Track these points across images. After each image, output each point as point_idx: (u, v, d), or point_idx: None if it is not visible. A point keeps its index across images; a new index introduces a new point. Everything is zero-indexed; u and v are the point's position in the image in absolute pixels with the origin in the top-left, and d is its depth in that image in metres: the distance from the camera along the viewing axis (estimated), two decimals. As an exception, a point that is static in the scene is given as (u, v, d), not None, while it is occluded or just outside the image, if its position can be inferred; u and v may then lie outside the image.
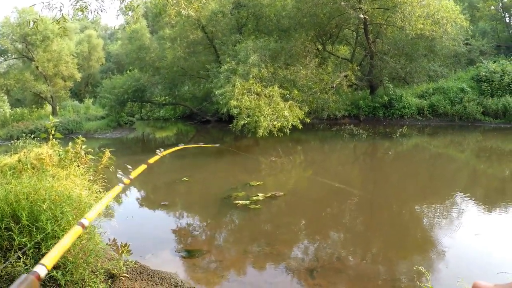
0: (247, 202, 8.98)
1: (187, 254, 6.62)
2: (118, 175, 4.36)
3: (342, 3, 20.26)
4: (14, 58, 37.30)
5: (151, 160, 4.47)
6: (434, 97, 24.28)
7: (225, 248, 7.11)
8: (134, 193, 12.06)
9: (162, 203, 9.71)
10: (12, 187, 4.91)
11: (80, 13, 10.36)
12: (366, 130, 20.77)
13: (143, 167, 4.22)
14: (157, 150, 4.82)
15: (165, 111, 37.06)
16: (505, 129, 20.44)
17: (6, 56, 37.08)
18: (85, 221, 2.37)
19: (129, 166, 4.53)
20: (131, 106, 34.22)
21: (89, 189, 6.21)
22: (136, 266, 5.57)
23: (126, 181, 3.77)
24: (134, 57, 32.52)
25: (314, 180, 12.11)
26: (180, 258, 6.54)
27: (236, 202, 9.02)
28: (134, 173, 4.05)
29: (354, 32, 26.59)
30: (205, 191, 11.09)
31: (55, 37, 33.96)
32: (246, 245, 7.06)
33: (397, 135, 18.90)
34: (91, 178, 7.16)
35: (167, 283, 5.30)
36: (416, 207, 9.07)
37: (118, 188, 3.35)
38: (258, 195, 9.41)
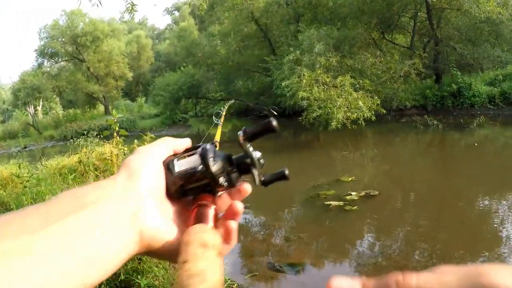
0: (341, 203, 7.76)
1: (289, 268, 5.52)
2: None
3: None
4: (65, 61, 37.78)
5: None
6: (505, 84, 22.39)
7: (330, 260, 5.93)
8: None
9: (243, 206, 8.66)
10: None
11: (128, 15, 10.28)
12: (438, 121, 19.13)
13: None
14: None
15: (220, 107, 36.45)
16: None
17: (56, 59, 37.60)
18: None
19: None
20: (185, 103, 33.78)
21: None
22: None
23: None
24: (186, 54, 32.35)
25: (403, 177, 10.81)
26: (279, 273, 5.44)
27: (328, 203, 7.82)
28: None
29: (411, 19, 24.98)
30: (287, 189, 9.55)
31: (105, 37, 34.33)
32: (355, 257, 5.89)
33: (474, 125, 17.18)
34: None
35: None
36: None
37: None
38: (351, 194, 8.16)
